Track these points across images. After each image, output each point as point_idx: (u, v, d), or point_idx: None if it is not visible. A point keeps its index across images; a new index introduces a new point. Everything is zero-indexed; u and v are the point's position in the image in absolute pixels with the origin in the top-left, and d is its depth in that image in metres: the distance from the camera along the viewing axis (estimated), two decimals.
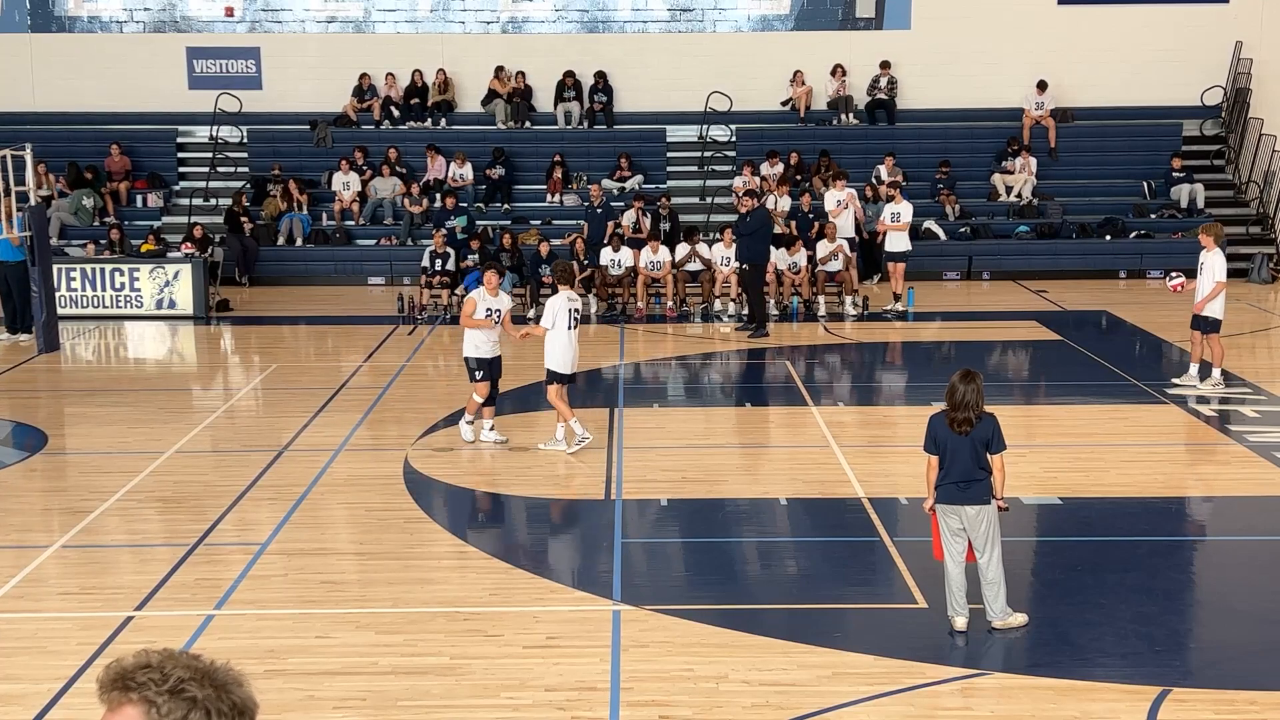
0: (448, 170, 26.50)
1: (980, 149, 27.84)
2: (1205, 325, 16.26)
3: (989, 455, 8.87)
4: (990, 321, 21.28)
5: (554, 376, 13.55)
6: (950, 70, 28.14)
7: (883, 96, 28.17)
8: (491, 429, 13.85)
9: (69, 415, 15.62)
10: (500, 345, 13.93)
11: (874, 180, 25.80)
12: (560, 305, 13.48)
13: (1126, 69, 28.01)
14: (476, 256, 22.66)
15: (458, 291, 22.18)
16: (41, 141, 21.61)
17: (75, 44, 27.81)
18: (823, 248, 22.35)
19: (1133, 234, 26.12)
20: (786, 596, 9.86)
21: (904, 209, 22.57)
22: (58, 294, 20.20)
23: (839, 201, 23.33)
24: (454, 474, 12.94)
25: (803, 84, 28.17)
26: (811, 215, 24.04)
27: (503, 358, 14.06)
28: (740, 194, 22.15)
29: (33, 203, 19.11)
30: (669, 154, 27.92)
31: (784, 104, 28.42)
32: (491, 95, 27.96)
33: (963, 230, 26.08)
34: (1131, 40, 27.95)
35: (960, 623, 8.92)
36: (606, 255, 22.48)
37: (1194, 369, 16.39)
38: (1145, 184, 27.20)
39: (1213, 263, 16.18)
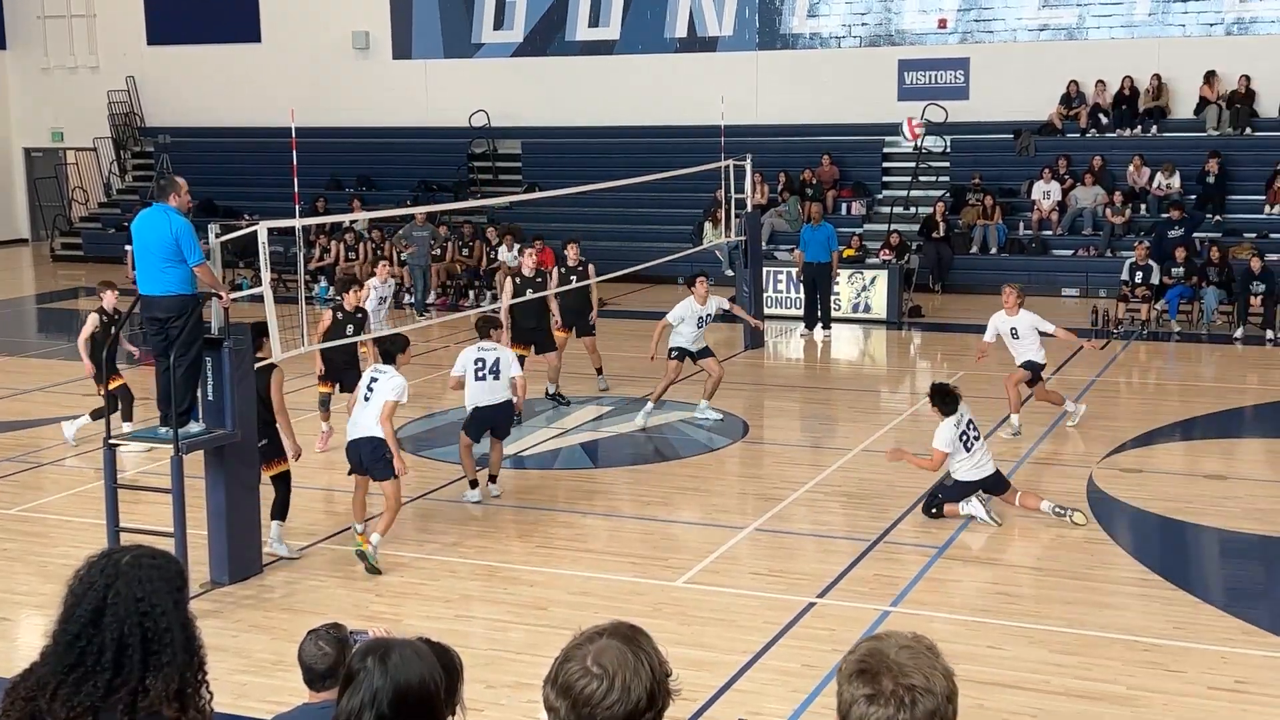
0: (1151, 180, 25.26)
1: None
2: None
3: None
4: None
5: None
6: None
7: None
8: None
9: (768, 408, 16.62)
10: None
11: None
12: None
13: None
14: (1182, 270, 21.46)
15: (1159, 306, 21.19)
16: (760, 152, 23.10)
17: (796, 60, 29.49)
18: None
19: None
20: None
21: None
22: (765, 295, 21.56)
23: None
24: (1140, 496, 12.35)
25: None
26: None
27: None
28: None
29: (748, 210, 20.57)
30: None
31: None
32: (1203, 102, 26.31)
33: None
34: None
35: None
36: None
37: None
38: None
39: None
